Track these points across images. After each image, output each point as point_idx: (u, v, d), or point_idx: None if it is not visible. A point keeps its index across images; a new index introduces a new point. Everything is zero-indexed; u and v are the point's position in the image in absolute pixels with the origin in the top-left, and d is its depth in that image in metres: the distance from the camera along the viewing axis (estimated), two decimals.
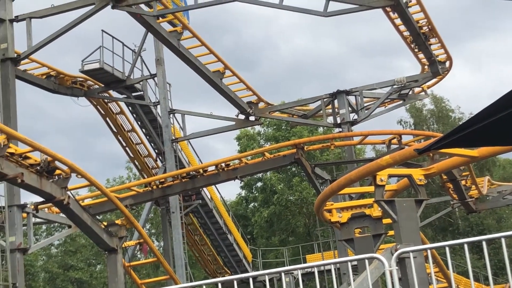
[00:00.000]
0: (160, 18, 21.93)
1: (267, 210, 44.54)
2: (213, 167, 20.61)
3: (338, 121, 26.23)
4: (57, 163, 14.16)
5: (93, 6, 20.49)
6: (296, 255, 38.72)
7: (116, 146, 29.80)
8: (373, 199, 12.25)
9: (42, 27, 22.21)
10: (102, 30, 25.94)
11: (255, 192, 48.66)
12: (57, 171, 14.35)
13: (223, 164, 20.46)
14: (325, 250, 33.24)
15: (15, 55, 20.80)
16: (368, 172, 12.20)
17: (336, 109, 26.57)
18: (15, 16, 21.08)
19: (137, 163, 30.08)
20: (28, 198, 25.19)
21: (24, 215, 18.61)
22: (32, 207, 16.69)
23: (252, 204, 49.38)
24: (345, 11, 17.57)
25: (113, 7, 20.07)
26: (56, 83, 25.73)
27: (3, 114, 19.47)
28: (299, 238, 44.30)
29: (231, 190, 58.37)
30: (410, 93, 27.03)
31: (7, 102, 19.75)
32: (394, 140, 21.51)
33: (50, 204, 15.41)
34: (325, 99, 26.45)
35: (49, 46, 21.42)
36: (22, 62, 22.08)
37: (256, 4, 18.55)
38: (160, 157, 28.99)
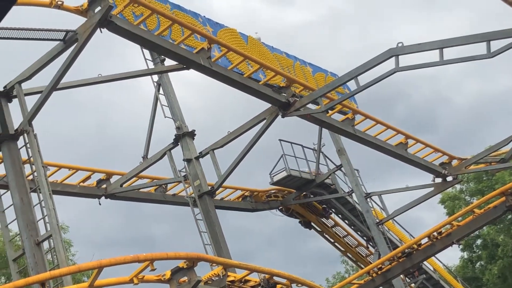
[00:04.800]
0: (329, 111, 22.19)
1: (496, 266, 42.48)
2: (426, 239, 20.04)
3: None
4: (276, 278, 14.49)
5: (264, 121, 21.18)
6: None
7: (325, 244, 30.06)
8: None
9: (224, 154, 23.18)
10: (280, 140, 26.80)
11: (477, 250, 46.67)
12: (278, 286, 14.68)
13: (435, 233, 19.87)
14: None
15: (209, 187, 21.83)
16: None
17: None
18: (199, 153, 22.16)
19: (350, 255, 30.01)
20: None
21: None
22: None
23: (478, 264, 47.27)
24: (510, 46, 16.82)
25: (283, 116, 20.60)
26: (253, 202, 26.56)
27: (214, 246, 20.28)
28: None
29: (452, 255, 56.29)
30: None
31: (214, 233, 20.60)
32: None
33: None
34: None
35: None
36: (217, 192, 23.04)
37: (418, 68, 18.29)
38: (371, 243, 28.70)
